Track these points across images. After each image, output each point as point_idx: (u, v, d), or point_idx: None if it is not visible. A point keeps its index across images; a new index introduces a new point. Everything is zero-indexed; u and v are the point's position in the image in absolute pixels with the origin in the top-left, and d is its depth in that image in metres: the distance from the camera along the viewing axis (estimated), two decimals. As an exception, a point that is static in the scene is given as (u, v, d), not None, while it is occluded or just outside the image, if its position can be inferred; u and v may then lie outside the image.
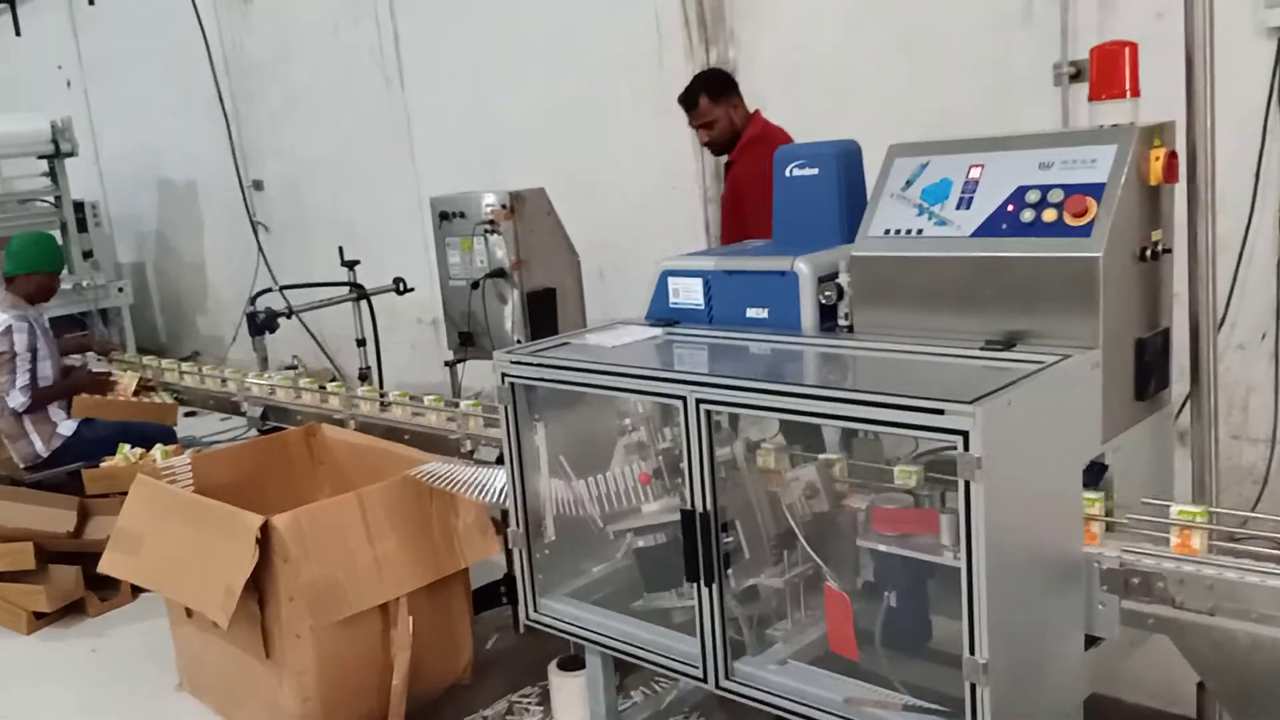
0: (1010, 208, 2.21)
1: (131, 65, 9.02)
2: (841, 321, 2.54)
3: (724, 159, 4.22)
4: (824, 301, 2.55)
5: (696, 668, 2.41)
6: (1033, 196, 2.18)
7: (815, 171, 2.74)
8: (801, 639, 2.43)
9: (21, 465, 4.64)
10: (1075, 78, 3.84)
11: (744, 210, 3.92)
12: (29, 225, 8.32)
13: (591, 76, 5.68)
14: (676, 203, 5.46)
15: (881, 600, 2.33)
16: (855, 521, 2.48)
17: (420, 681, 3.14)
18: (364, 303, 5.11)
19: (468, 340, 4.69)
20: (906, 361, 2.26)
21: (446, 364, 4.92)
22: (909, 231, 2.36)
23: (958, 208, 2.29)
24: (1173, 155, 2.14)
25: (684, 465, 2.33)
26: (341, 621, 2.90)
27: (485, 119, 6.33)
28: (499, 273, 4.50)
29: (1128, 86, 2.17)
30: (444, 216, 4.65)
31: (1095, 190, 2.10)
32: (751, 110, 4.15)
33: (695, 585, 2.35)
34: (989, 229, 2.22)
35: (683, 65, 5.28)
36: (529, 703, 3.37)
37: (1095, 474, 2.15)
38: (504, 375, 2.68)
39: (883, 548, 2.24)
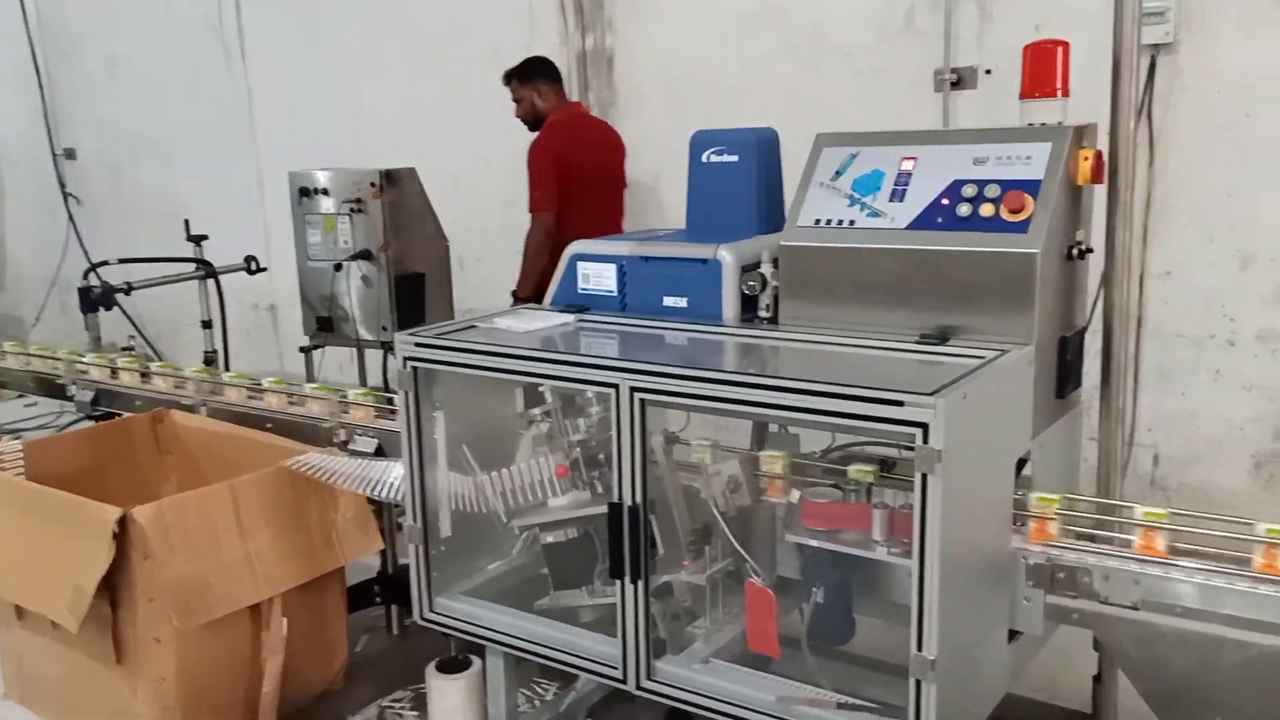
0: (945, 201, 2.21)
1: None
2: (762, 313, 2.49)
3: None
4: (747, 291, 2.49)
5: (615, 668, 2.30)
6: (968, 191, 2.19)
7: (734, 159, 2.67)
8: (720, 637, 2.36)
9: None
10: (956, 84, 3.97)
11: (529, 184, 4.39)
12: None
13: (458, 62, 5.50)
14: (546, 192, 5.33)
15: (805, 596, 2.30)
16: (774, 517, 2.45)
17: (291, 687, 2.90)
18: (211, 282, 4.73)
19: (326, 325, 4.43)
20: (840, 354, 2.22)
21: (301, 349, 4.63)
22: (840, 222, 2.33)
23: (891, 199, 2.28)
24: (1100, 156, 2.20)
25: (613, 456, 2.21)
26: (207, 624, 2.63)
27: (341, 103, 6.04)
28: (364, 254, 4.27)
29: (1059, 85, 2.22)
30: (304, 193, 4.38)
31: (1032, 187, 2.12)
32: (572, 101, 4.68)
33: (619, 582, 2.24)
34: (924, 222, 2.21)
35: (557, 52, 5.16)
36: (402, 707, 3.20)
37: (1017, 470, 2.19)
38: (406, 359, 2.50)
39: (813, 543, 2.20)
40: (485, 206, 5.41)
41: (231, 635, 2.76)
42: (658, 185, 4.91)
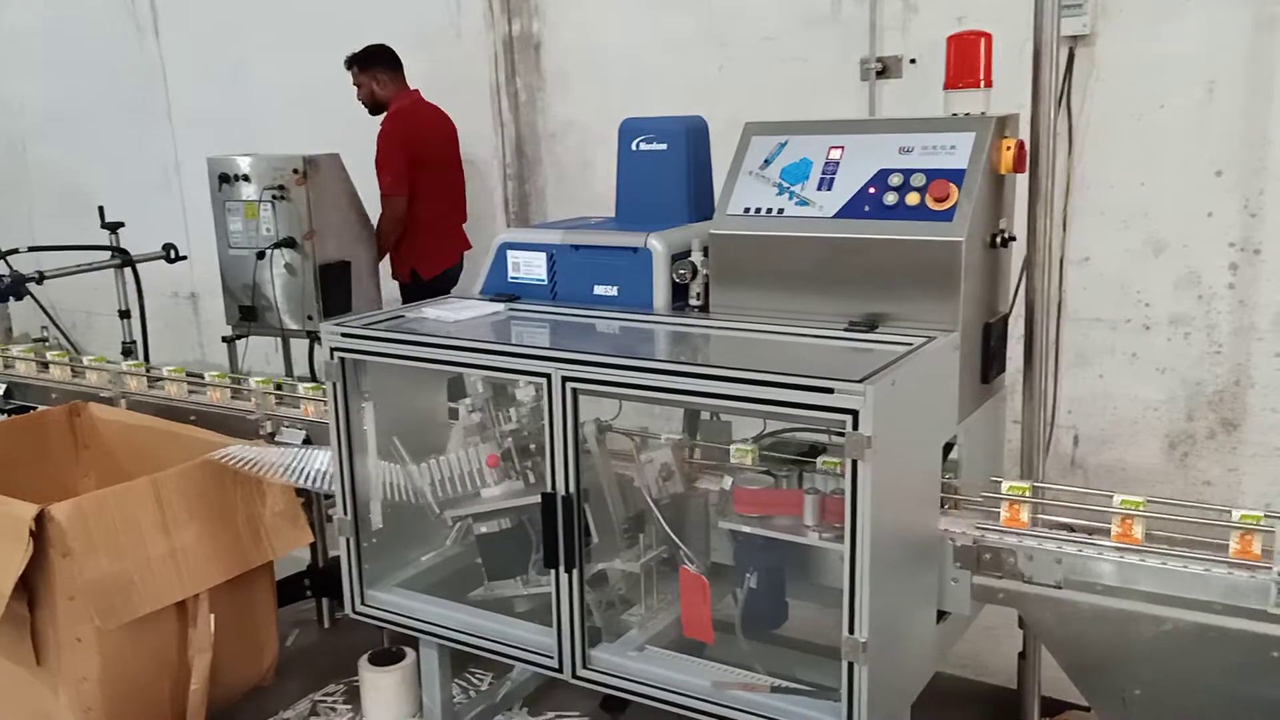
0: (872, 190, 2.24)
1: None
2: (693, 301, 2.50)
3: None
4: (677, 280, 2.50)
5: (551, 657, 2.30)
6: (895, 180, 2.22)
7: (664, 147, 2.68)
8: (655, 624, 2.37)
9: None
10: (881, 74, 4.01)
11: (377, 167, 4.60)
12: None
13: (379, 40, 5.37)
14: (472, 177, 5.28)
15: (739, 582, 2.32)
16: (707, 504, 2.46)
17: (219, 685, 2.85)
18: (129, 270, 4.57)
19: (249, 315, 4.32)
20: (771, 341, 2.24)
21: (224, 339, 4.51)
22: (770, 210, 2.35)
23: (819, 188, 2.30)
24: (1022, 145, 2.25)
25: (546, 446, 2.20)
26: (131, 623, 2.56)
27: (258, 84, 5.86)
28: (288, 242, 4.17)
29: (982, 76, 2.26)
30: (224, 179, 4.25)
31: (956, 176, 2.16)
32: (412, 89, 4.83)
33: (553, 572, 2.24)
34: (852, 210, 2.24)
35: (482, 36, 5.10)
36: (334, 701, 3.16)
37: (944, 453, 2.24)
38: (333, 350, 2.45)
39: (746, 529, 2.22)
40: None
41: (157, 634, 2.69)
42: (585, 171, 4.89)
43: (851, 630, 1.88)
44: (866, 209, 2.23)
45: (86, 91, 6.67)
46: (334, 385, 2.47)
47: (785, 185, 2.35)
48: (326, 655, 3.39)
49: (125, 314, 4.61)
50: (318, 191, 4.17)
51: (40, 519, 2.47)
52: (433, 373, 2.50)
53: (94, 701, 2.61)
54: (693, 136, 2.68)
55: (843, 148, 2.32)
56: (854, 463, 1.81)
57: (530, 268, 2.71)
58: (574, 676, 2.28)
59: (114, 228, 4.65)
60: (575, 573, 2.22)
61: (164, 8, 6.28)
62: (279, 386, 3.21)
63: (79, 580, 2.50)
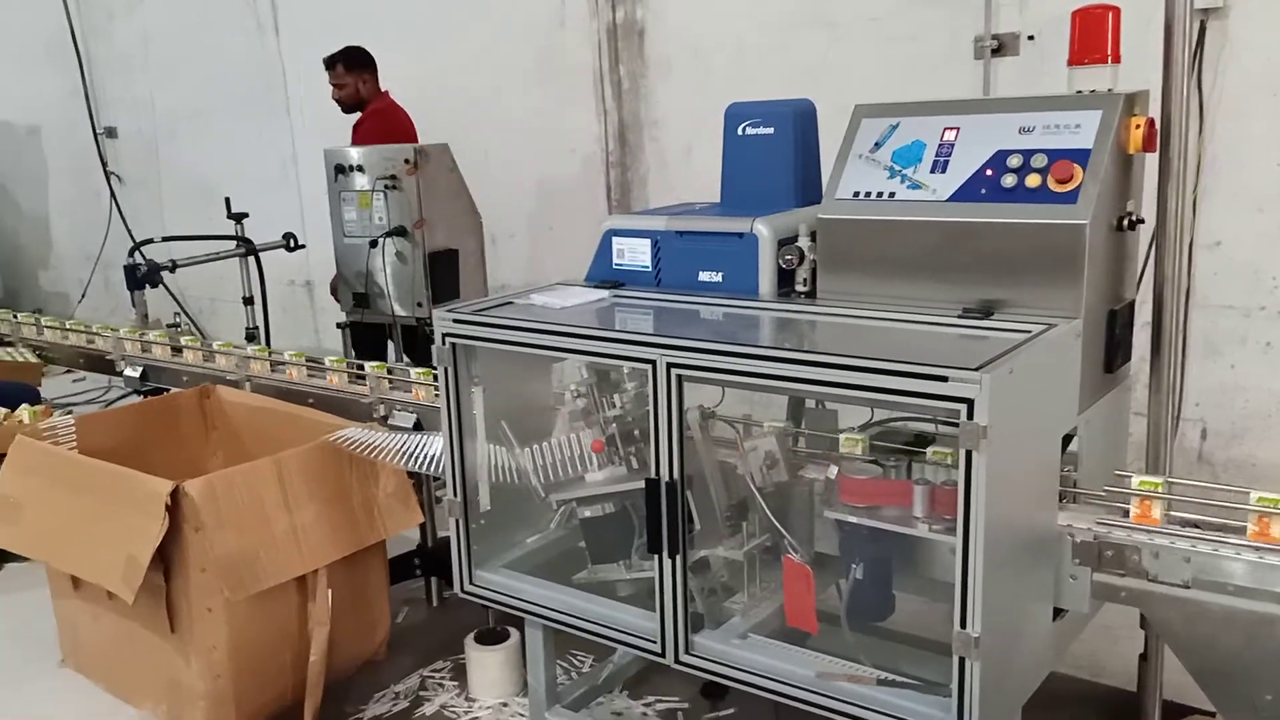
0: (989, 172, 2.16)
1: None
2: (800, 287, 2.46)
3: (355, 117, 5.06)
4: (784, 266, 2.47)
5: (654, 642, 2.31)
6: (1014, 161, 2.14)
7: (770, 131, 2.64)
8: (758, 613, 2.36)
9: None
10: (997, 51, 3.88)
11: None
12: None
13: (485, 35, 5.47)
14: (578, 167, 5.33)
15: (843, 572, 2.29)
16: (811, 493, 2.43)
17: (336, 657, 2.95)
18: (252, 259, 4.76)
19: (363, 302, 4.45)
20: (880, 328, 2.19)
21: (339, 326, 4.66)
22: (880, 194, 2.30)
23: (932, 171, 2.24)
24: (1152, 124, 2.14)
25: (650, 432, 2.20)
26: (256, 595, 2.68)
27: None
28: (399, 231, 4.27)
29: (1109, 52, 2.16)
30: (339, 170, 4.38)
31: (1080, 156, 2.07)
32: (384, 90, 5.08)
33: (657, 557, 2.24)
34: (967, 193, 2.17)
35: (586, 25, 5.13)
36: (442, 678, 3.24)
37: (1063, 446, 2.15)
38: (445, 335, 2.50)
39: (852, 519, 2.18)
40: (516, 182, 5.40)
41: (279, 606, 2.81)
42: (687, 158, 4.87)
43: (963, 625, 1.83)
44: (983, 192, 2.16)
45: (211, 90, 6.95)
46: (445, 370, 2.52)
47: (897, 168, 2.29)
48: (435, 632, 3.48)
49: (249, 301, 4.81)
50: (428, 181, 4.26)
51: (175, 495, 2.60)
52: (540, 358, 2.52)
53: (222, 669, 2.73)
54: (800, 120, 2.64)
55: (958, 129, 2.25)
56: (968, 453, 1.75)
57: (635, 254, 2.71)
58: (676, 661, 2.28)
59: (239, 218, 4.86)
60: (678, 559, 2.22)
61: (283, 5, 6.48)
62: (390, 371, 3.31)
63: (210, 554, 2.62)
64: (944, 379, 1.77)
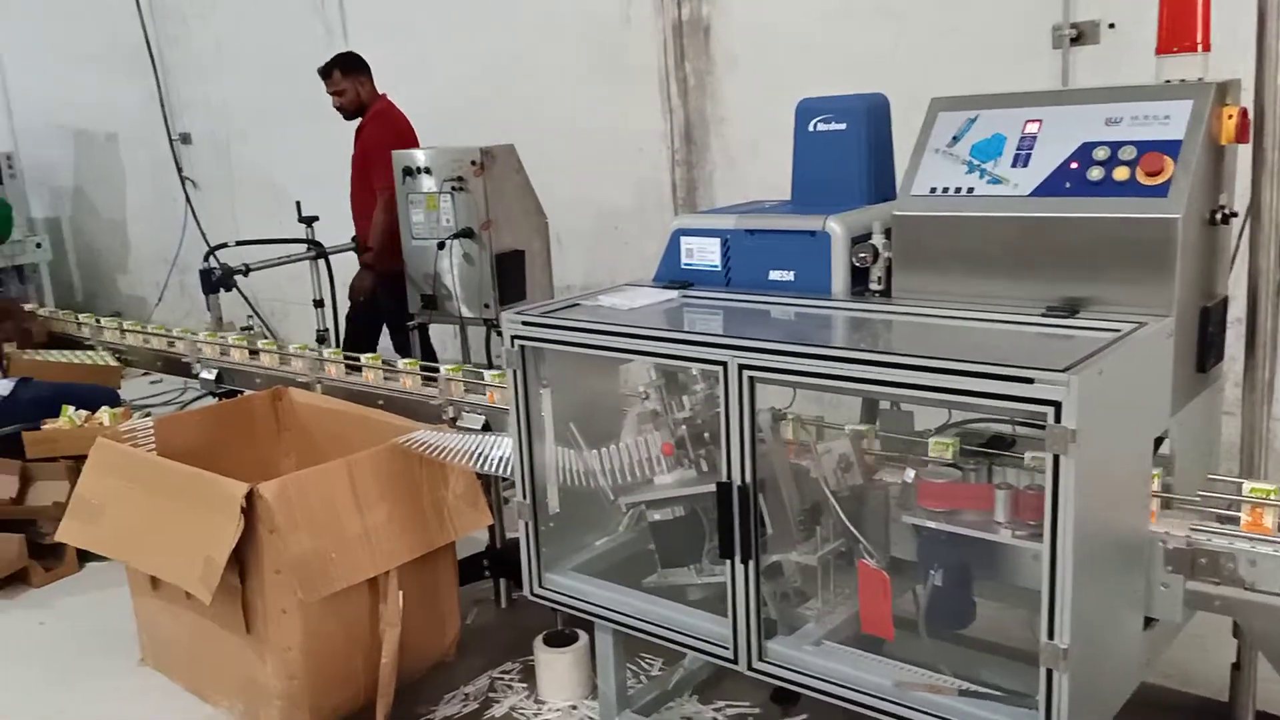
0: (1074, 165, 2.09)
1: (45, 8, 8.44)
2: (874, 286, 2.41)
3: (356, 123, 5.21)
4: (857, 264, 2.41)
5: (726, 648, 2.27)
6: (1101, 154, 2.06)
7: (842, 127, 2.59)
8: (833, 619, 2.31)
9: (-49, 427, 4.28)
10: (1076, 40, 3.76)
11: (369, 166, 4.89)
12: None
13: (549, 35, 5.46)
14: (643, 165, 5.30)
15: (920, 578, 2.23)
16: (887, 496, 2.37)
17: (407, 658, 2.96)
18: (322, 262, 4.84)
19: (430, 303, 4.48)
20: (960, 328, 2.13)
21: (409, 327, 4.70)
22: (958, 190, 2.23)
23: (1014, 165, 2.17)
24: (1245, 113, 2.05)
25: (721, 435, 2.17)
26: (328, 596, 2.70)
27: (433, 76, 6.06)
28: (466, 232, 4.29)
29: (1199, 39, 2.07)
30: (406, 172, 4.42)
31: (1171, 148, 1.99)
32: (381, 93, 5.21)
33: (729, 562, 2.21)
34: (1051, 187, 2.10)
35: (651, 22, 5.09)
36: (511, 679, 3.24)
37: (1154, 448, 2.07)
38: (513, 338, 2.49)
39: (931, 524, 2.12)
40: (581, 182, 5.39)
41: (351, 608, 2.83)
42: (754, 155, 4.81)
43: (1051, 636, 1.76)
44: (1068, 185, 2.08)
45: (281, 94, 7.05)
46: (514, 372, 2.51)
47: (976, 163, 2.22)
48: (504, 634, 3.47)
49: (319, 303, 4.89)
50: (494, 182, 4.27)
51: (250, 497, 2.63)
52: (608, 360, 2.50)
53: (297, 670, 2.77)
54: (873, 114, 2.58)
55: (1040, 121, 2.18)
56: (1056, 458, 1.69)
57: (704, 254, 2.67)
58: (749, 668, 2.24)
59: (309, 222, 4.93)
60: (751, 564, 2.18)
61: (351, 10, 6.56)
62: (458, 373, 3.32)
63: (284, 555, 2.65)
64: (1029, 380, 1.71)
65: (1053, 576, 1.74)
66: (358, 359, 3.66)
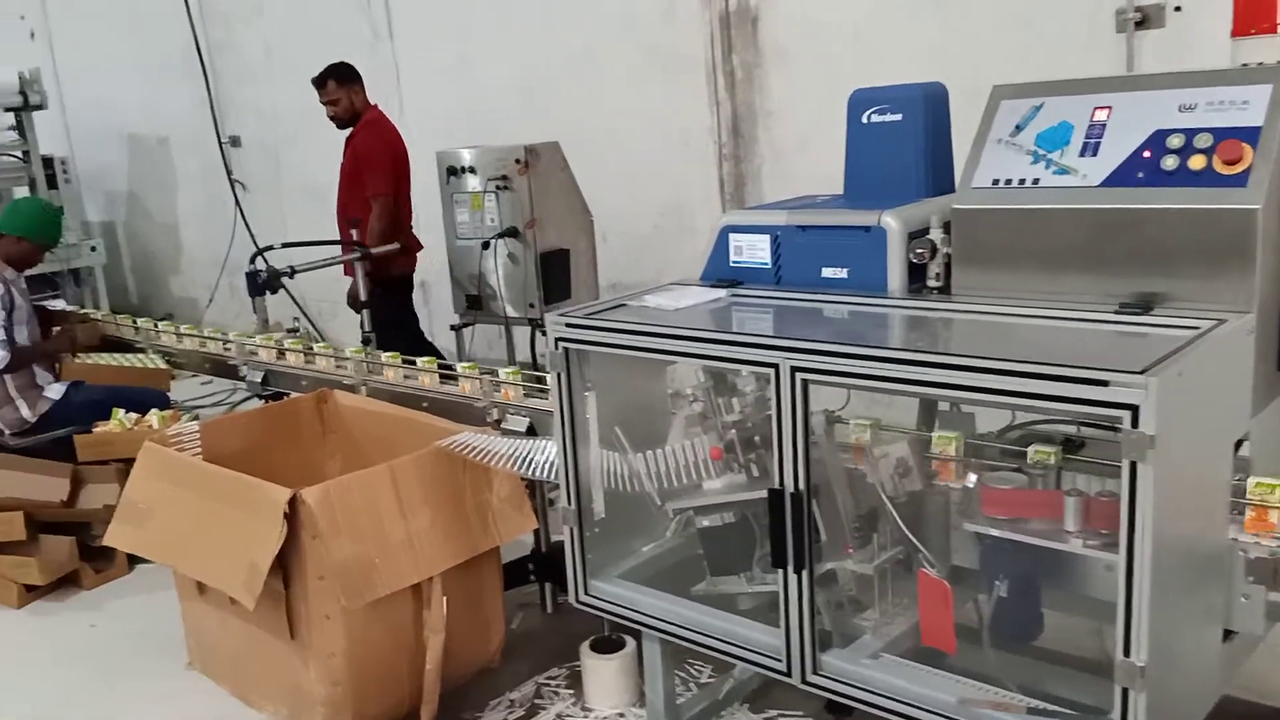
0: (1147, 154, 1.98)
1: (98, 15, 8.57)
2: (932, 282, 2.31)
3: (347, 133, 5.32)
4: (915, 260, 2.32)
5: (779, 660, 2.19)
6: (1175, 142, 1.95)
7: (898, 117, 2.49)
8: (890, 630, 2.22)
9: (7, 431, 4.33)
10: (1141, 24, 3.61)
11: (361, 173, 5.04)
12: (-4, 181, 7.94)
13: (592, 30, 5.40)
14: (691, 160, 5.22)
15: (984, 587, 2.14)
16: (948, 502, 2.28)
17: (451, 665, 2.92)
18: (367, 263, 4.82)
19: (475, 304, 4.43)
20: (1025, 326, 2.03)
21: (453, 328, 4.66)
22: (1022, 181, 2.13)
23: (1082, 154, 2.06)
24: (1330, 97, 1.92)
25: (773, 440, 2.09)
26: (372, 602, 2.67)
27: (477, 76, 6.04)
28: (511, 232, 4.24)
29: (1279, 20, 1.95)
30: (451, 172, 4.37)
31: (1250, 135, 1.87)
32: (373, 103, 5.34)
33: (781, 572, 2.13)
34: (1122, 178, 1.99)
35: (698, 14, 5.00)
36: (558, 685, 3.18)
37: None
38: (557, 340, 2.43)
39: (996, 533, 2.02)
40: (627, 178, 5.33)
41: (395, 614, 2.79)
42: (803, 149, 4.71)
43: (1127, 653, 1.66)
44: (1140, 175, 1.97)
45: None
46: (558, 375, 2.45)
47: (1041, 153, 2.12)
48: (550, 638, 3.42)
49: (365, 304, 4.87)
50: (539, 180, 4.21)
51: (293, 502, 2.61)
52: (654, 361, 2.43)
53: (341, 676, 2.73)
54: (930, 104, 2.49)
55: (1110, 108, 2.07)
56: (1133, 465, 1.59)
57: (753, 251, 2.59)
58: (803, 682, 2.16)
59: (356, 224, 4.91)
60: (804, 573, 2.10)
61: (396, 12, 6.56)
62: (493, 374, 3.27)
63: (326, 561, 2.61)
64: (1104, 383, 1.61)
65: (1129, 591, 1.64)
66: (414, 362, 3.63)
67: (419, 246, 5.25)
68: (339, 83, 5.16)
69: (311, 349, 4.02)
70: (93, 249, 8.33)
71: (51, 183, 8.09)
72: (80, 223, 8.61)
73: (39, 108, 7.89)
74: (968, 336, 2.10)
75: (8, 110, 7.88)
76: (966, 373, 1.77)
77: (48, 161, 8.11)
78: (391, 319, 4.90)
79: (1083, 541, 1.92)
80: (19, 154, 7.95)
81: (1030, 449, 2.01)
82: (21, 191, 8.02)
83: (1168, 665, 1.73)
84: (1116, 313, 1.96)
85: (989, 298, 2.16)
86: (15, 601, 3.86)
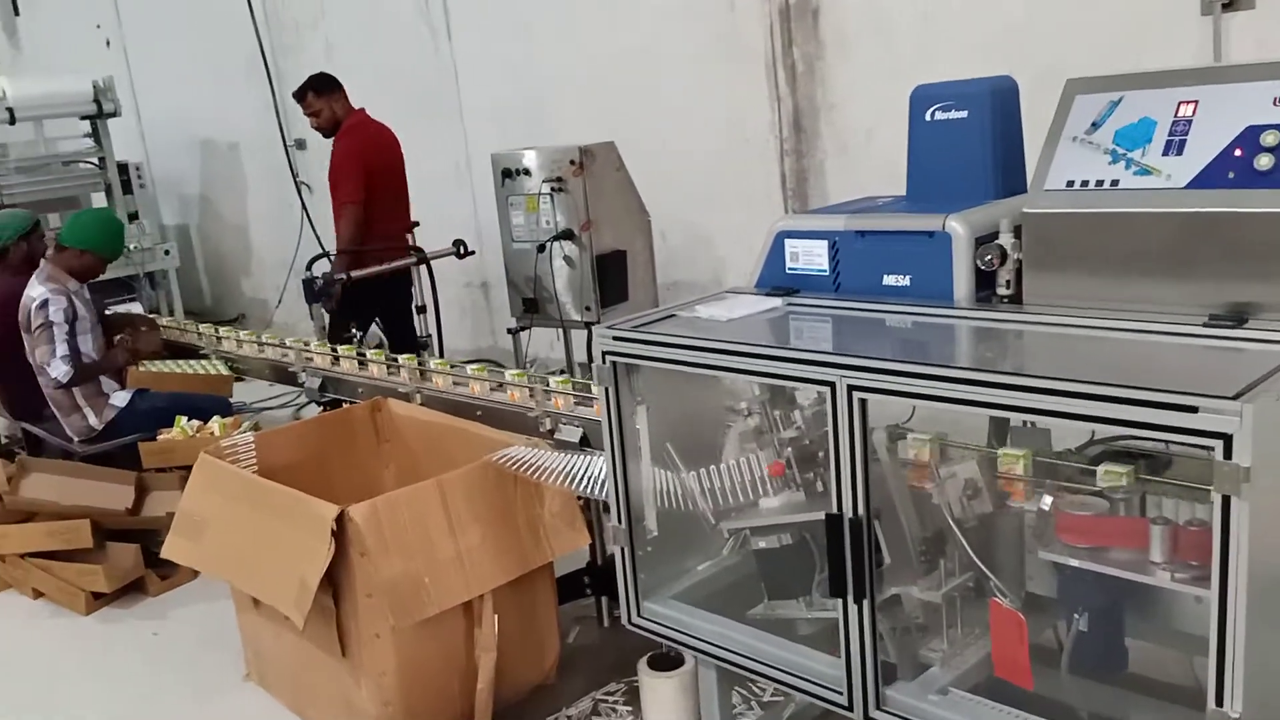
0: (1239, 152, 1.81)
1: (171, 23, 8.75)
2: (1001, 290, 2.17)
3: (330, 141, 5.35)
4: (983, 267, 2.18)
5: (840, 693, 2.08)
6: (1270, 139, 1.78)
7: (964, 115, 2.34)
8: (960, 662, 2.09)
9: (75, 439, 4.41)
10: (1229, 6, 3.39)
11: (337, 179, 5.14)
12: (73, 187, 8.13)
13: (651, 23, 5.30)
14: (751, 156, 5.10)
15: (1062, 617, 2.00)
16: (1022, 526, 2.13)
17: (505, 683, 2.87)
18: (424, 267, 4.80)
19: (532, 307, 4.38)
20: (1103, 340, 1.88)
21: (509, 331, 4.61)
22: (1100, 183, 1.98)
23: (1165, 153, 1.90)
24: None
25: (830, 461, 1.97)
26: (423, 621, 2.62)
27: (535, 74, 5.99)
28: (567, 234, 4.17)
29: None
30: (506, 174, 4.32)
31: (1356, 129, 1.70)
32: (359, 108, 5.39)
33: (840, 601, 2.01)
34: (1211, 178, 1.83)
35: (758, 7, 4.87)
36: (615, 702, 3.11)
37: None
38: (605, 353, 2.35)
39: (1074, 562, 1.88)
40: (685, 176, 5.22)
41: (446, 632, 2.75)
42: (868, 144, 4.55)
43: (1219, 702, 1.52)
44: (1231, 175, 1.81)
45: (388, 97, 7.07)
46: (606, 390, 2.36)
47: (1121, 151, 1.96)
48: (607, 653, 3.35)
49: (422, 309, 4.85)
50: (594, 181, 4.13)
51: (340, 519, 2.57)
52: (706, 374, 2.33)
53: (392, 696, 2.69)
54: (999, 100, 2.34)
55: (1196, 102, 1.90)
56: (1225, 499, 1.44)
57: (810, 257, 2.47)
58: (865, 717, 2.04)
59: (411, 227, 4.90)
60: (865, 603, 1.98)
61: (455, 11, 6.54)
62: (544, 382, 3.20)
63: (375, 579, 2.57)
64: (1193, 409, 1.46)
65: (1220, 635, 1.50)
66: (464, 369, 3.59)
67: (402, 253, 5.00)
68: (317, 94, 5.25)
69: (365, 356, 4.00)
70: (166, 252, 8.50)
71: (126, 188, 8.29)
72: (156, 226, 8.81)
73: (113, 115, 8.06)
74: (1039, 352, 1.95)
75: (83, 118, 8.08)
76: (1037, 395, 1.63)
77: (122, 168, 8.30)
78: (385, 312, 5.06)
79: (1171, 575, 1.77)
80: (94, 160, 8.14)
81: (1100, 469, 1.85)
82: (98, 198, 8.23)
83: (1265, 713, 1.58)
84: (1205, 325, 1.80)
85: (1063, 308, 2.01)
86: (83, 609, 3.92)
